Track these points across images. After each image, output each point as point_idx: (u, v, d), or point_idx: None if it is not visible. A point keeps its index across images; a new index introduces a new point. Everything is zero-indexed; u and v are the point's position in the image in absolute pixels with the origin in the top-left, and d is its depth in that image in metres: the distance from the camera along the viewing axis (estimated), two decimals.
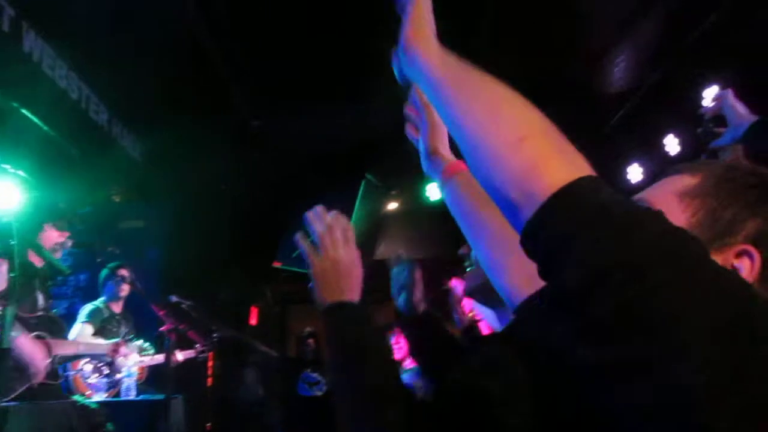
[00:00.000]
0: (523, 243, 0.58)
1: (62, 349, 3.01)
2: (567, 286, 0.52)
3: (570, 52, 4.19)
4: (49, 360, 2.86)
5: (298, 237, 1.16)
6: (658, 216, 0.54)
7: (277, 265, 5.96)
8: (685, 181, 0.72)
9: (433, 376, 1.57)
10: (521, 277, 0.92)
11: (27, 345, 2.79)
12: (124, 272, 3.93)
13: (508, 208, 0.59)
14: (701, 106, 1.67)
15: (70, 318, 4.01)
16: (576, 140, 0.60)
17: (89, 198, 4.94)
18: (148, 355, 3.98)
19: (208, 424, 6.20)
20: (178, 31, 3.84)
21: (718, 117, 1.60)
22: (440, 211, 1.25)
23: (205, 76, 4.36)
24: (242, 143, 5.31)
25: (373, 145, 5.13)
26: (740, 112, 1.53)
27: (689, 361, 0.45)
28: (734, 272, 0.54)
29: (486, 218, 1.02)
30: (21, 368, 2.75)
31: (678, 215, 0.68)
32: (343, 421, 0.96)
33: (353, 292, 1.11)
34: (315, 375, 6.33)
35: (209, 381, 6.52)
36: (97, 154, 4.65)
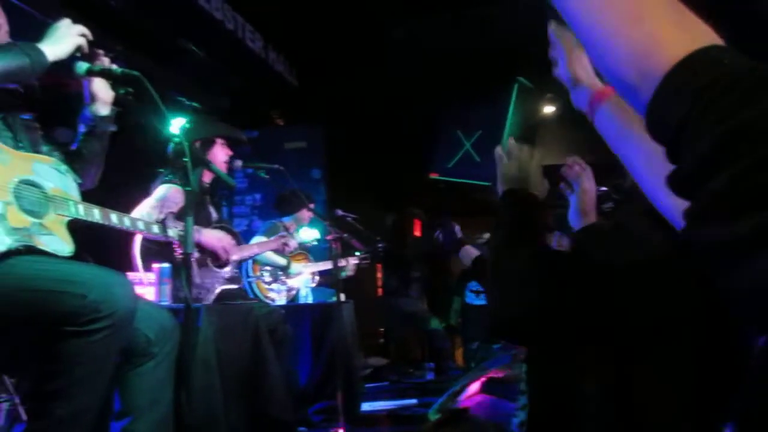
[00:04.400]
0: (648, 127, 0.55)
1: (239, 254, 3.30)
2: (695, 159, 0.49)
3: None
4: (235, 246, 3.12)
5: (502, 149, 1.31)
6: None
7: (434, 176, 5.99)
8: None
9: None
10: None
11: (212, 234, 2.99)
12: (310, 204, 4.24)
13: (628, 91, 0.57)
14: None
15: (250, 234, 4.42)
16: None
17: (254, 122, 5.33)
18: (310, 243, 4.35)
19: (381, 329, 6.64)
20: None
21: None
22: None
23: None
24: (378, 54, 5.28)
25: (523, 45, 4.84)
26: None
27: None
28: None
29: (640, 137, 0.96)
30: (214, 254, 3.03)
31: None
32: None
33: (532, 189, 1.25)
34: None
35: (379, 291, 6.93)
36: (256, 80, 4.94)
